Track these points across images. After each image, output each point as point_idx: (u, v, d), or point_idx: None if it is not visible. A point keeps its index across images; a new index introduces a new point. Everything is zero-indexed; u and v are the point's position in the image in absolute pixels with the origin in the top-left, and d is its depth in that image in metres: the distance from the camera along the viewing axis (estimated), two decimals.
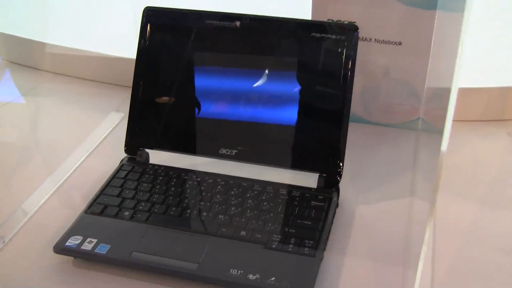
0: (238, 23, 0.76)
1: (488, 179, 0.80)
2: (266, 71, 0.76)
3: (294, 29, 0.75)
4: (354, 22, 0.81)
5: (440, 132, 0.86)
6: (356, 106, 0.90)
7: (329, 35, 0.74)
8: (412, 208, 0.74)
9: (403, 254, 0.67)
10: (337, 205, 0.73)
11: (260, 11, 0.77)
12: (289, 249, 0.65)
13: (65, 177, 0.80)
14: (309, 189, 0.73)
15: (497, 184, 0.79)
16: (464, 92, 0.91)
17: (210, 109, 0.78)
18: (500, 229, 0.71)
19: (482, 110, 0.92)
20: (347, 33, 0.73)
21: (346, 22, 0.82)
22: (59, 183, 0.79)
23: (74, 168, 0.82)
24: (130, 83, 0.93)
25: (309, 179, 0.75)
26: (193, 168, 0.77)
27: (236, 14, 0.76)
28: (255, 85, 0.76)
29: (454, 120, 0.90)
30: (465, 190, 0.78)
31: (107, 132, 0.90)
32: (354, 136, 0.76)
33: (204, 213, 0.70)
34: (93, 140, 0.88)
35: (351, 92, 0.73)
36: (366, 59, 0.86)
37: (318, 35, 0.74)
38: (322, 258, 0.65)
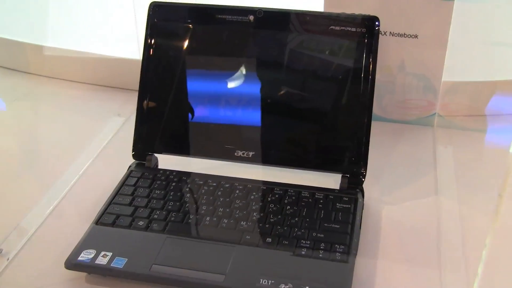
0: (251, 17, 0.72)
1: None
2: (284, 69, 0.72)
3: (312, 22, 0.71)
4: None
5: (462, 128, 0.84)
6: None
7: (349, 28, 0.70)
8: (441, 206, 0.71)
9: (437, 256, 0.64)
10: (363, 207, 0.69)
11: (271, 4, 0.73)
12: (320, 255, 0.61)
13: (70, 186, 0.75)
14: (332, 190, 0.69)
15: None
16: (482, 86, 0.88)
17: (224, 110, 0.73)
18: None
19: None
20: (368, 25, 0.69)
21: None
22: (64, 192, 0.74)
23: (78, 176, 0.77)
24: (130, 86, 0.89)
25: (330, 180, 0.71)
26: (206, 173, 0.73)
27: (249, 7, 0.72)
28: (273, 83, 0.72)
29: (470, 116, 0.88)
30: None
31: (110, 137, 0.85)
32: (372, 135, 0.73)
33: (225, 220, 0.65)
34: (95, 146, 0.83)
35: (373, 88, 0.69)
36: (381, 53, 0.82)
37: (337, 28, 0.70)
38: (354, 263, 0.61)
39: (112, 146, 0.84)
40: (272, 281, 0.57)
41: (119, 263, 0.60)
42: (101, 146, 0.84)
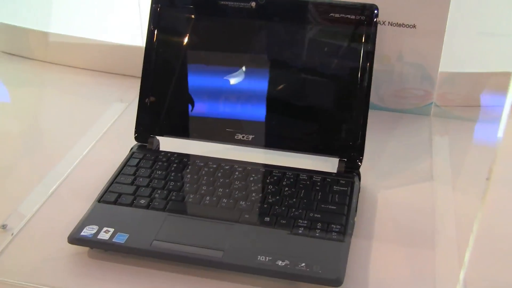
0: (253, 4, 0.73)
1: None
2: (284, 55, 0.74)
3: (312, 9, 0.73)
4: None
5: (459, 118, 0.85)
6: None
7: (348, 15, 0.72)
8: (435, 191, 0.73)
9: (430, 237, 0.65)
10: (359, 190, 0.70)
11: None
12: (316, 234, 0.62)
13: (73, 166, 0.77)
14: (330, 174, 0.71)
15: None
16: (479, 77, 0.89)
17: (224, 94, 0.75)
18: None
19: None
20: (367, 12, 0.71)
21: None
22: (67, 172, 0.76)
23: (81, 157, 0.79)
24: (133, 72, 0.91)
25: (327, 164, 0.72)
26: (207, 155, 0.74)
27: None
28: (273, 69, 0.74)
29: (467, 106, 0.90)
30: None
31: (112, 121, 0.87)
32: (369, 124, 0.74)
33: (224, 200, 0.67)
34: (98, 130, 0.85)
35: (371, 75, 0.71)
36: (379, 43, 0.83)
37: (337, 15, 0.72)
38: (350, 243, 0.63)
39: (115, 129, 0.85)
40: (270, 258, 0.59)
41: (121, 238, 0.62)
42: (104, 129, 0.85)
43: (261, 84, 0.74)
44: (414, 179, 0.75)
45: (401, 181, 0.75)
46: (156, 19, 0.76)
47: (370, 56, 0.71)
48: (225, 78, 0.74)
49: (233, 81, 0.74)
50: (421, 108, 0.88)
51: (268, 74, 0.74)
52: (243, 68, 0.74)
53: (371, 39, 0.71)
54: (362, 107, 0.71)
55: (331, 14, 0.72)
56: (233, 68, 0.74)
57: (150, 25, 0.76)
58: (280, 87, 0.74)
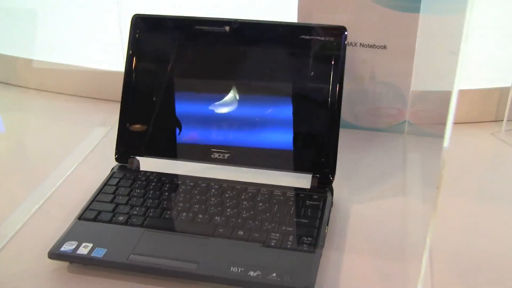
0: (227, 28, 0.77)
1: (475, 175, 0.82)
2: (257, 76, 0.77)
3: (283, 32, 0.76)
4: None
5: (430, 135, 0.88)
6: (344, 111, 0.91)
7: (318, 37, 0.75)
8: (406, 205, 0.75)
9: (400, 249, 0.68)
10: (331, 204, 0.73)
11: (247, 16, 0.78)
12: (288, 246, 0.64)
13: (56, 187, 0.79)
14: (303, 189, 0.73)
15: (484, 179, 0.81)
16: (446, 95, 0.92)
17: (200, 115, 0.78)
18: (489, 219, 0.73)
19: (464, 112, 0.94)
20: (336, 34, 0.74)
21: None
22: (50, 192, 0.78)
23: (63, 178, 0.81)
24: (115, 97, 0.94)
25: (302, 181, 0.75)
26: (185, 174, 0.77)
27: (225, 19, 0.77)
28: (245, 89, 0.77)
29: (437, 124, 0.93)
30: (455, 186, 0.79)
31: (95, 144, 0.90)
32: (343, 140, 0.77)
33: (200, 215, 0.69)
34: (81, 152, 0.87)
35: (341, 93, 0.74)
36: (352, 63, 0.87)
37: (307, 37, 0.75)
38: (321, 255, 0.65)
39: (97, 151, 0.88)
40: (242, 269, 0.61)
41: (99, 253, 0.64)
42: (86, 151, 0.88)
43: (235, 106, 0.76)
44: (386, 194, 0.77)
45: (374, 196, 0.77)
46: (135, 43, 0.79)
47: (339, 76, 0.74)
48: (201, 100, 0.77)
49: (208, 103, 0.77)
50: (395, 126, 0.91)
51: (241, 96, 0.77)
52: (219, 91, 0.77)
53: (341, 59, 0.74)
54: (333, 126, 0.74)
55: (302, 36, 0.75)
56: (207, 91, 0.77)
57: (129, 49, 0.79)
58: (254, 108, 0.77)
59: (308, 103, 0.76)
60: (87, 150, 0.88)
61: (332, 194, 0.73)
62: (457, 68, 0.51)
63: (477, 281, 0.63)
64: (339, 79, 0.74)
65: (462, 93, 0.91)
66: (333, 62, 0.74)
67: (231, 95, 0.77)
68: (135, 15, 0.80)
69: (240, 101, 0.76)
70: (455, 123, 0.92)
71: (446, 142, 0.49)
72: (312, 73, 0.75)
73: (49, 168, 0.84)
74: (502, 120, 0.91)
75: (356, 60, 0.87)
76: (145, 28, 0.79)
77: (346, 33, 0.74)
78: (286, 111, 0.76)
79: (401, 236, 0.70)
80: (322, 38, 0.75)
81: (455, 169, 0.83)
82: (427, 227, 0.53)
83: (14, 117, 1.01)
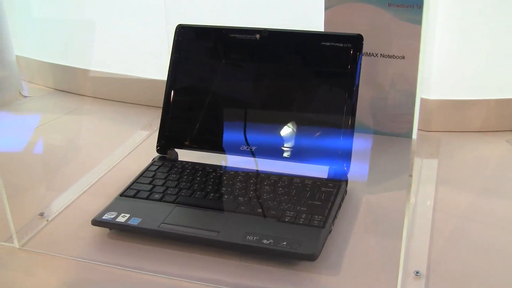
0: (258, 36, 0.87)
1: (485, 175, 0.87)
2: (283, 80, 0.86)
3: (306, 39, 0.85)
4: None
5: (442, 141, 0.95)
6: (366, 117, 0.99)
7: (338, 44, 0.84)
8: (414, 198, 0.82)
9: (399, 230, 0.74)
10: (345, 192, 0.80)
11: (277, 25, 0.88)
12: (300, 222, 0.72)
13: (104, 173, 0.90)
14: (321, 179, 0.81)
15: (494, 178, 0.86)
16: (464, 104, 0.99)
17: (233, 113, 0.87)
18: (491, 211, 0.78)
19: (482, 121, 0.99)
20: (354, 41, 0.83)
21: None
22: (99, 177, 0.89)
23: (111, 167, 0.92)
24: (161, 103, 1.05)
25: (321, 173, 0.83)
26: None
27: (256, 28, 0.87)
28: (273, 90, 0.86)
29: (456, 131, 0.99)
30: (465, 184, 0.85)
31: (140, 142, 1.01)
32: (364, 144, 0.84)
33: (226, 196, 0.78)
34: (127, 148, 0.99)
35: (357, 95, 0.82)
36: (373, 73, 0.95)
37: (327, 43, 0.84)
38: (330, 231, 0.72)
39: (141, 148, 0.99)
40: (256, 238, 0.69)
41: (135, 221, 0.74)
42: (132, 148, 0.99)
43: (265, 106, 0.86)
44: (396, 187, 0.84)
45: (385, 188, 0.84)
46: (178, 50, 0.90)
47: (355, 79, 0.82)
48: (232, 100, 0.87)
49: (239, 103, 0.87)
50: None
51: (271, 98, 0.86)
52: (250, 92, 0.87)
53: (358, 63, 0.82)
54: (349, 125, 0.81)
55: (322, 43, 0.84)
56: (239, 94, 0.87)
57: (172, 54, 0.90)
58: (281, 107, 0.86)
59: (327, 104, 0.84)
60: (133, 146, 1.00)
61: (346, 183, 0.81)
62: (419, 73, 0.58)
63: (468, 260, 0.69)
64: (356, 82, 0.82)
65: (478, 102, 0.98)
66: (350, 66, 0.83)
67: (260, 97, 0.86)
68: (179, 25, 0.91)
69: (268, 103, 0.86)
70: (473, 131, 0.99)
71: (414, 135, 0.56)
72: (331, 77, 0.84)
73: (100, 159, 0.95)
74: None
75: (377, 70, 0.95)
76: (187, 37, 0.90)
77: (363, 39, 0.83)
78: (307, 111, 0.85)
79: (399, 222, 0.76)
80: (341, 45, 0.84)
81: (465, 170, 0.89)
82: (406, 210, 0.60)
83: (72, 119, 1.14)
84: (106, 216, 0.75)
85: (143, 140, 1.02)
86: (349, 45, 0.83)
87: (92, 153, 0.99)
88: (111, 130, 1.09)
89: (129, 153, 0.98)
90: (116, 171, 0.92)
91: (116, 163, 0.94)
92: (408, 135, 0.98)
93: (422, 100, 1.00)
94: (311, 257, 0.67)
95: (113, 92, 1.18)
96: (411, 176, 0.58)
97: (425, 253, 0.69)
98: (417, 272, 0.65)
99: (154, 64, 1.14)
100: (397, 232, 0.73)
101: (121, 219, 0.74)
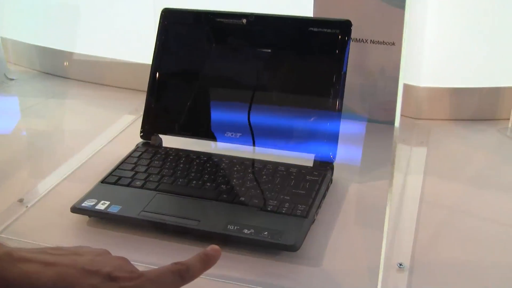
0: (244, 20, 0.85)
1: (475, 166, 0.86)
2: (269, 66, 0.84)
3: (294, 24, 0.83)
4: None
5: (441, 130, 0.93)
6: (355, 104, 0.97)
7: (326, 29, 0.82)
8: (397, 187, 0.80)
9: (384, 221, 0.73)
10: (331, 181, 0.79)
11: (266, 10, 0.86)
12: (283, 211, 0.71)
13: (87, 159, 0.89)
14: (306, 167, 0.80)
15: (483, 169, 0.85)
16: (455, 92, 0.97)
17: (218, 99, 0.86)
18: (480, 202, 0.77)
19: (474, 110, 0.98)
20: (342, 26, 0.81)
21: None
22: (81, 162, 0.88)
23: (94, 152, 0.91)
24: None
25: (307, 162, 0.81)
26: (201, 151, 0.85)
27: (243, 13, 0.85)
28: (260, 77, 0.84)
29: (447, 119, 0.98)
30: (454, 174, 0.84)
31: (125, 127, 0.99)
32: (353, 132, 0.83)
33: (208, 183, 0.76)
34: (111, 133, 0.97)
35: (344, 81, 0.80)
36: (363, 59, 0.94)
37: (315, 29, 0.82)
38: (314, 221, 0.71)
39: (126, 133, 0.98)
40: (238, 227, 0.68)
41: (114, 209, 0.72)
42: (116, 133, 0.97)
43: (250, 92, 0.84)
44: (383, 177, 0.82)
45: (372, 177, 0.82)
46: (163, 34, 0.88)
47: (343, 65, 0.80)
48: (217, 86, 0.85)
49: (224, 89, 0.85)
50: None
51: (257, 84, 0.84)
52: (233, 78, 0.85)
53: (346, 50, 0.80)
54: (335, 112, 0.80)
55: (310, 28, 0.82)
56: (224, 79, 0.85)
57: (157, 39, 0.88)
58: (267, 94, 0.84)
59: (314, 91, 0.82)
60: (118, 131, 0.98)
61: (332, 172, 0.79)
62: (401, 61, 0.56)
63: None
64: (343, 68, 0.80)
65: (470, 91, 0.97)
66: (338, 52, 0.81)
67: (245, 83, 0.84)
68: (164, 9, 0.89)
69: (254, 89, 0.84)
70: (466, 119, 0.97)
71: (397, 122, 0.55)
72: (318, 62, 0.82)
73: (84, 144, 0.93)
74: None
75: (367, 56, 0.93)
76: (173, 20, 0.88)
77: (351, 25, 0.81)
78: (294, 98, 0.83)
79: (390, 213, 0.75)
80: (329, 31, 0.82)
81: (454, 160, 0.88)
82: (388, 199, 0.58)
83: (57, 102, 1.13)
84: (86, 203, 0.73)
85: (129, 125, 1.00)
86: (337, 30, 0.81)
87: (76, 138, 0.98)
88: (97, 115, 1.07)
89: (113, 138, 0.96)
90: (99, 157, 0.90)
91: (100, 149, 0.92)
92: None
93: (412, 87, 0.98)
94: (293, 248, 0.65)
95: (100, 76, 1.17)
96: (393, 164, 0.56)
97: (410, 245, 0.67)
98: (400, 265, 0.64)
99: (142, 47, 1.12)
100: (381, 223, 0.72)
101: (101, 206, 0.73)
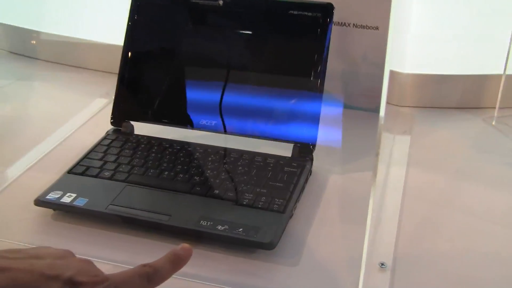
0: (221, 2, 0.80)
1: (459, 156, 0.83)
2: (246, 49, 0.80)
3: (273, 6, 0.79)
4: None
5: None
6: (336, 91, 0.93)
7: (306, 13, 0.77)
8: (381, 178, 0.77)
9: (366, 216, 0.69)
10: (310, 173, 0.75)
11: None
12: (259, 206, 0.67)
13: (53, 147, 0.84)
14: (284, 157, 0.76)
15: (468, 160, 0.82)
16: (440, 79, 0.94)
17: (191, 83, 0.81)
18: (464, 194, 0.74)
19: (459, 98, 0.95)
20: (323, 9, 0.77)
21: None
22: (47, 151, 0.83)
23: (63, 139, 0.86)
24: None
25: (285, 150, 0.77)
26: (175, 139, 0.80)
27: None
28: (237, 61, 0.80)
29: (431, 107, 0.95)
30: (438, 165, 0.81)
31: (95, 112, 0.94)
32: (335, 120, 0.79)
33: (181, 175, 0.72)
34: (81, 119, 0.92)
35: (325, 66, 0.76)
36: (345, 44, 0.90)
37: (295, 12, 0.78)
38: (291, 216, 0.67)
39: (97, 119, 0.92)
40: (211, 223, 0.64)
41: (81, 202, 0.68)
42: (86, 118, 0.92)
43: (226, 76, 0.80)
44: (365, 168, 0.79)
45: (353, 168, 0.79)
46: (135, 14, 0.83)
47: (324, 50, 0.76)
48: (192, 70, 0.81)
49: (199, 72, 0.81)
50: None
51: (232, 68, 0.80)
52: (209, 63, 0.80)
53: (327, 34, 0.76)
54: (316, 99, 0.76)
55: (290, 11, 0.78)
56: (199, 63, 0.81)
57: (129, 20, 0.83)
58: (244, 78, 0.80)
59: (293, 76, 0.78)
60: (89, 117, 0.93)
61: (311, 163, 0.76)
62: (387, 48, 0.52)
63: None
64: (324, 53, 0.76)
65: (456, 78, 0.93)
66: (319, 37, 0.77)
67: (221, 67, 0.80)
68: None
69: (230, 73, 0.80)
70: (450, 107, 0.94)
71: (382, 112, 0.51)
72: (298, 47, 0.78)
73: (50, 130, 0.88)
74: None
75: (349, 41, 0.89)
76: (146, 0, 0.83)
77: (333, 8, 0.77)
78: (272, 84, 0.79)
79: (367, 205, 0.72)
80: (310, 14, 0.77)
81: (438, 150, 0.85)
82: (371, 192, 0.55)
83: (25, 85, 1.07)
84: (51, 196, 0.69)
85: (101, 110, 0.95)
86: (318, 14, 0.77)
87: (43, 124, 0.93)
88: (66, 99, 1.02)
89: (84, 124, 0.91)
90: (67, 145, 0.85)
91: (68, 135, 0.88)
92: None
93: (396, 73, 0.94)
94: (269, 246, 0.62)
95: (71, 57, 1.11)
96: (377, 155, 0.53)
97: (392, 242, 0.64)
98: (382, 264, 0.61)
99: (116, 27, 1.06)
100: (363, 218, 0.68)
101: (67, 199, 0.69)
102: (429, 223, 0.69)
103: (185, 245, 0.53)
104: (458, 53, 0.94)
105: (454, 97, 0.95)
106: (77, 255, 0.51)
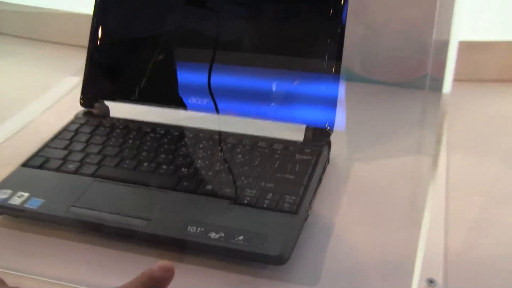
0: None
1: (502, 137, 0.68)
2: (252, 17, 0.65)
3: None
4: None
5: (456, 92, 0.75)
6: (354, 63, 0.78)
7: None
8: (417, 168, 0.62)
9: (406, 215, 0.54)
10: (327, 161, 0.60)
11: None
12: (264, 205, 0.52)
13: (12, 133, 0.71)
14: (294, 142, 0.61)
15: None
16: (477, 46, 0.79)
17: (180, 55, 0.66)
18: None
19: (499, 69, 0.80)
20: None
21: None
22: (4, 138, 0.69)
23: (25, 123, 0.72)
24: None
25: (295, 134, 0.62)
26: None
27: None
28: (234, 27, 0.65)
29: (465, 81, 0.80)
30: (479, 148, 0.66)
31: (65, 92, 0.80)
32: (351, 95, 0.64)
33: (164, 166, 0.58)
34: (48, 99, 0.79)
35: (343, 34, 0.61)
36: (365, 9, 0.75)
37: None
38: (306, 218, 0.53)
39: (66, 100, 0.79)
40: (202, 229, 0.49)
41: (34, 203, 0.53)
42: (54, 99, 0.79)
43: (222, 47, 0.65)
44: (395, 154, 0.64)
45: (380, 154, 0.65)
46: None
47: (342, 21, 0.61)
48: (178, 41, 0.66)
49: (187, 44, 0.66)
50: (415, 81, 0.77)
51: (228, 37, 0.65)
52: (200, 31, 0.65)
53: (345, 5, 0.61)
54: (333, 72, 0.61)
55: None
56: (191, 29, 0.66)
57: None
58: (244, 50, 0.65)
59: (306, 47, 0.64)
60: (57, 97, 0.79)
61: (329, 149, 0.61)
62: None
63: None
64: (342, 25, 0.61)
65: (495, 45, 0.78)
66: (335, 9, 0.61)
67: (215, 36, 0.65)
68: None
69: (226, 42, 0.64)
70: (485, 80, 0.79)
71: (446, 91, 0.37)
72: (312, 20, 0.63)
73: (8, 114, 0.74)
74: None
75: (369, 5, 0.74)
76: None
77: None
78: (280, 55, 0.64)
79: (408, 200, 0.57)
80: None
81: (475, 129, 0.70)
82: (428, 188, 0.40)
83: None
84: None
85: (72, 89, 0.80)
86: None
87: (3, 106, 0.78)
88: (32, 77, 0.87)
89: (50, 107, 0.77)
90: (29, 130, 0.72)
91: (31, 120, 0.74)
92: (407, 85, 0.78)
93: (425, 42, 0.79)
94: (278, 260, 0.47)
95: (38, 30, 0.96)
96: (437, 143, 0.38)
97: (440, 252, 0.49)
98: (431, 282, 0.46)
99: None
100: (400, 219, 0.54)
101: (16, 200, 0.54)
102: (483, 224, 0.54)
103: (165, 263, 0.40)
104: (498, 15, 0.79)
105: (494, 68, 0.80)
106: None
